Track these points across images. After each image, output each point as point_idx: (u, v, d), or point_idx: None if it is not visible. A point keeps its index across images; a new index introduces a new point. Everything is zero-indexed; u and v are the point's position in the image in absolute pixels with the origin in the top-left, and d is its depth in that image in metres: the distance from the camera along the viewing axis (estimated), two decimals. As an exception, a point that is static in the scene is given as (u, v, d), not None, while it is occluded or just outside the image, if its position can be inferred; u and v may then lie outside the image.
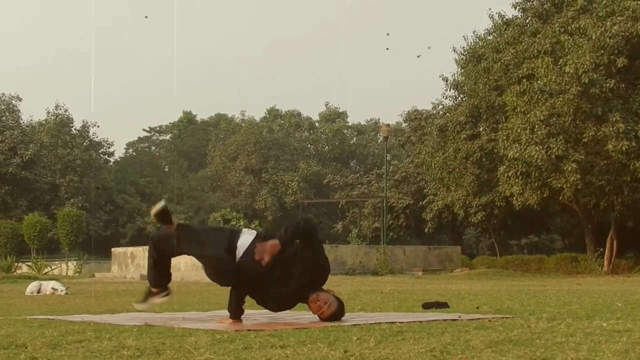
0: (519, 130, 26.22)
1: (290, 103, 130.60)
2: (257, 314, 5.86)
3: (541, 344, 3.75)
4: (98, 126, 57.87)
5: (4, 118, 52.93)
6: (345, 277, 22.98)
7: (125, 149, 72.40)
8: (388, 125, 37.14)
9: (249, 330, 4.49)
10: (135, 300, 5.70)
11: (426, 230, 40.50)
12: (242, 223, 32.89)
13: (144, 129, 74.18)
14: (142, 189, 62.18)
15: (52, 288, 11.63)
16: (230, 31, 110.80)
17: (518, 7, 31.10)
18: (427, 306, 6.84)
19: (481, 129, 32.02)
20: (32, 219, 34.43)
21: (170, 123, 73.86)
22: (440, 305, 6.88)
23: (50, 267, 29.89)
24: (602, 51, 25.49)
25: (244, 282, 5.23)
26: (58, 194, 52.92)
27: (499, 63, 29.50)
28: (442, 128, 32.91)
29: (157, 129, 74.41)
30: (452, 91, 34.19)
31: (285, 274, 5.17)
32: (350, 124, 65.85)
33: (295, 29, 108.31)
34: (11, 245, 34.55)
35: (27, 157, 50.29)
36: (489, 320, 5.13)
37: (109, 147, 59.32)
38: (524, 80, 26.99)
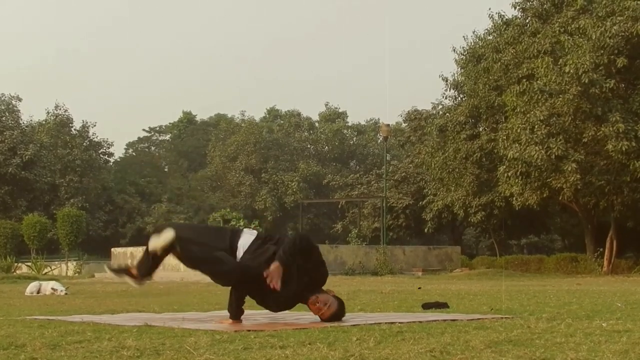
0: (518, 130, 26.22)
1: (290, 103, 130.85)
2: (257, 314, 5.86)
3: (541, 344, 3.75)
4: (95, 125, 57.70)
5: (3, 118, 52.89)
6: (345, 277, 22.96)
7: (125, 149, 72.54)
8: (388, 125, 37.13)
9: (249, 330, 4.48)
10: (110, 265, 5.64)
11: (426, 230, 40.49)
12: (242, 223, 32.82)
13: (143, 129, 74.35)
14: (142, 189, 62.19)
15: (52, 288, 11.61)
16: (230, 31, 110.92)
17: (518, 7, 31.11)
18: (426, 306, 6.84)
19: (481, 129, 32.02)
20: (31, 219, 34.38)
21: (170, 123, 73.93)
22: (440, 306, 6.88)
23: (50, 268, 29.82)
24: (602, 51, 25.49)
25: (244, 282, 5.23)
26: (58, 194, 52.88)
27: (499, 63, 29.49)
28: (442, 128, 32.90)
29: (157, 129, 74.44)
30: (452, 91, 34.22)
31: (285, 275, 5.17)
32: (350, 124, 65.73)
33: (295, 29, 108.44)
34: (11, 246, 34.50)
35: (27, 157, 50.25)
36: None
37: (108, 147, 59.34)
38: (524, 80, 26.99)
